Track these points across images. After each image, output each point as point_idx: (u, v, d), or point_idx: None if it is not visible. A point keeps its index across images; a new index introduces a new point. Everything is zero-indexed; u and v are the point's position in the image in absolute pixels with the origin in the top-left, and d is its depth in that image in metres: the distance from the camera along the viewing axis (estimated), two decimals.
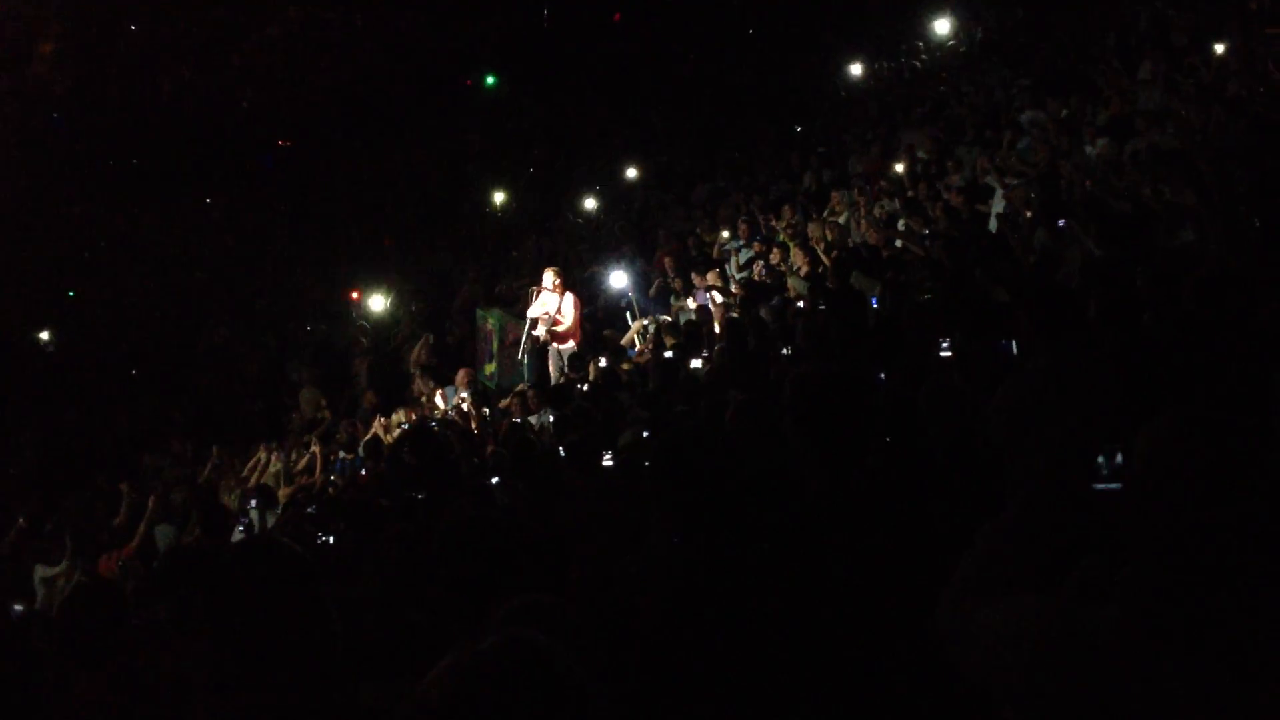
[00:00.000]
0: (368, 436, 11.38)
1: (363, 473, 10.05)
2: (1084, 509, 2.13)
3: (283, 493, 10.13)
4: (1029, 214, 8.80)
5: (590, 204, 18.74)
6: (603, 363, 10.31)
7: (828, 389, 2.75)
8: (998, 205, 10.25)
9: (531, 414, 9.99)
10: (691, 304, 11.99)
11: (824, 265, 10.34)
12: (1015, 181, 10.25)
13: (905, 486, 2.82)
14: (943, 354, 5.19)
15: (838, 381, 2.78)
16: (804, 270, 10.61)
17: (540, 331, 12.35)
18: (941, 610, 1.86)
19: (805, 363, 7.07)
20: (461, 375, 12.18)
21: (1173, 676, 1.44)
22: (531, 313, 12.44)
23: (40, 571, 9.12)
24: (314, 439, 11.20)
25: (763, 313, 9.49)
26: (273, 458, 11.11)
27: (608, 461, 6.80)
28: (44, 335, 16.80)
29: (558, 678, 1.37)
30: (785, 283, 10.64)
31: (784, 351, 7.54)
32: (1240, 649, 1.43)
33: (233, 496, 10.34)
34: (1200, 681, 1.42)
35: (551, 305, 12.32)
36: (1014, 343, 4.55)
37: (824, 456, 2.70)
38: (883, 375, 5.28)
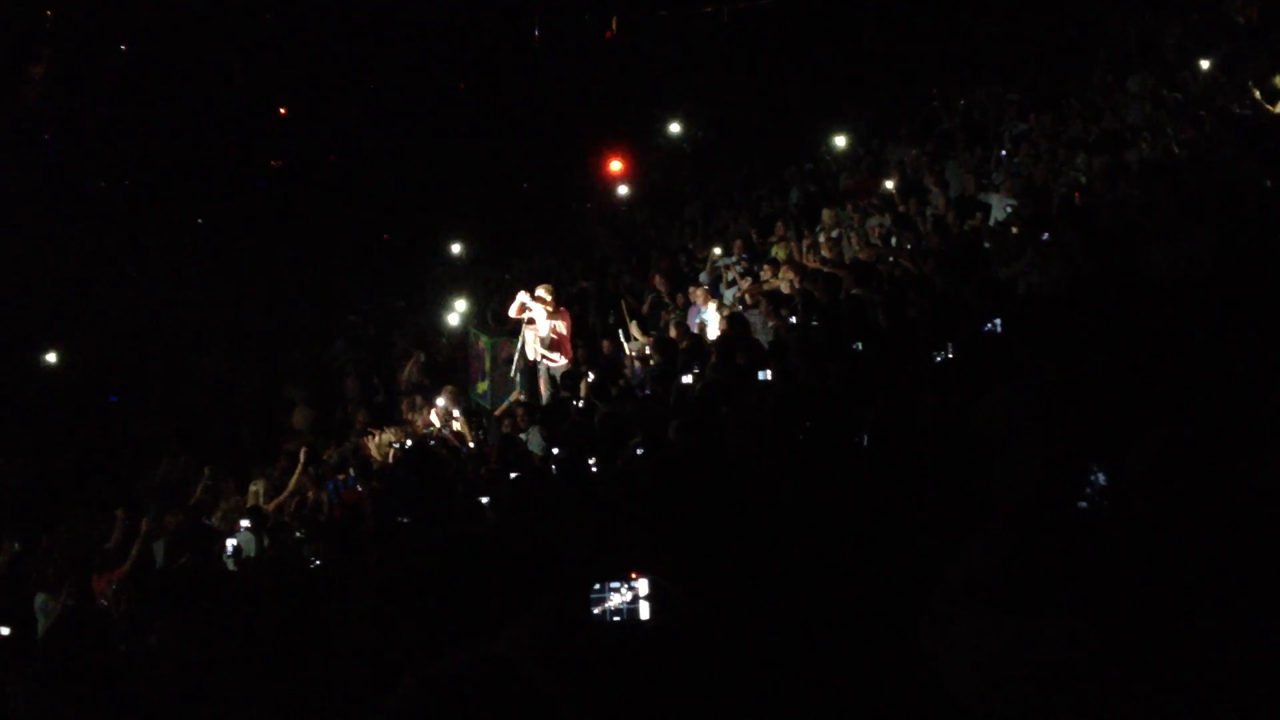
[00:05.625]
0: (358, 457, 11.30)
1: (358, 489, 10.00)
2: (1069, 527, 2.12)
3: (268, 507, 10.10)
4: (1015, 229, 8.82)
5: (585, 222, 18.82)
6: (592, 378, 10.27)
7: (804, 406, 2.75)
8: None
9: (521, 431, 9.96)
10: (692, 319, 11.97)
11: (818, 281, 10.32)
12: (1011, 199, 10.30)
13: (891, 499, 2.82)
14: (936, 368, 5.18)
15: (813, 399, 2.79)
16: (793, 287, 10.60)
17: (532, 350, 12.29)
18: (924, 623, 1.85)
19: (786, 380, 7.08)
20: (445, 393, 12.07)
21: (1140, 695, 1.43)
22: (525, 315, 12.33)
23: (40, 600, 9.06)
24: (301, 452, 11.15)
25: (754, 328, 9.47)
26: (260, 479, 11.08)
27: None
28: (50, 357, 16.73)
29: (524, 695, 1.36)
30: (776, 298, 10.61)
31: (765, 375, 7.49)
32: (1209, 667, 1.43)
33: (222, 517, 10.29)
34: (1168, 699, 1.42)
35: (541, 319, 12.25)
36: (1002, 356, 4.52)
37: (799, 471, 2.70)
38: (876, 390, 5.27)
